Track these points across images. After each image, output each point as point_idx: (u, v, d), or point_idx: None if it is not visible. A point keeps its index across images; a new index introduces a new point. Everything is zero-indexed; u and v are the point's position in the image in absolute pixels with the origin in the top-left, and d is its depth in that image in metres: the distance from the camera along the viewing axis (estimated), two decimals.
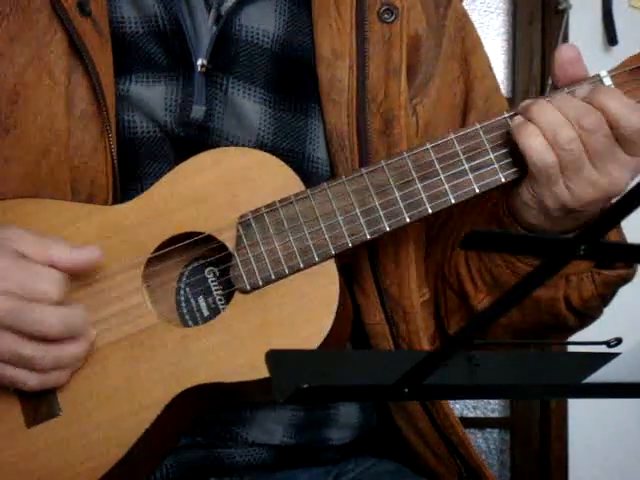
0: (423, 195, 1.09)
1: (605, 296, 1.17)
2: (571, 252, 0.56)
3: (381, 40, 1.18)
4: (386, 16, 1.18)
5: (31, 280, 1.04)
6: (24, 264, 1.05)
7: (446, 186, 1.09)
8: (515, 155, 1.09)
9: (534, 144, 1.06)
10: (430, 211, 1.09)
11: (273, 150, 1.15)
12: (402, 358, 0.78)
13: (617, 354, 0.74)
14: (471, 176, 1.09)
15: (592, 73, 1.10)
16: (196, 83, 1.15)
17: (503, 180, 1.09)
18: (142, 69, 1.15)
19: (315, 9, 1.18)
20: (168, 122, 1.14)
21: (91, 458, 1.06)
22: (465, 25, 1.27)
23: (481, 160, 1.09)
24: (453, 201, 1.09)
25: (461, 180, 1.09)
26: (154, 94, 1.14)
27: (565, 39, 2.76)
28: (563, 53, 1.10)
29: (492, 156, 1.09)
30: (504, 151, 1.09)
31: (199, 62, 1.15)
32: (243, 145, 1.15)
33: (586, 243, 0.56)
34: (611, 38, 2.75)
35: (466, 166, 1.09)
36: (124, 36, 1.15)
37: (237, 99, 1.16)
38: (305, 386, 0.65)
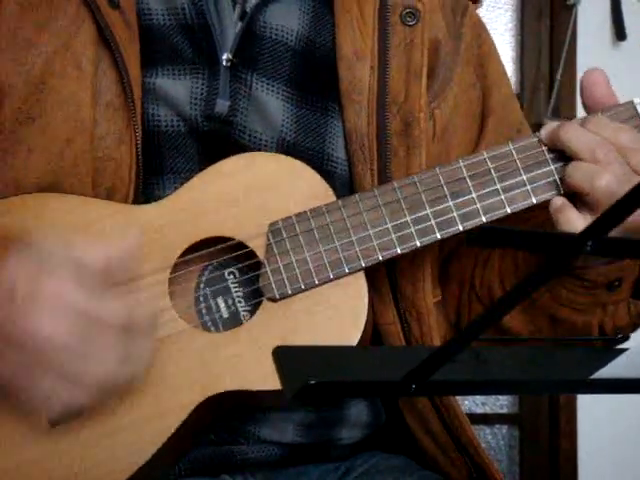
0: (455, 213, 1.09)
1: (638, 325, 1.17)
2: (577, 248, 0.56)
3: (403, 42, 1.18)
4: (408, 19, 1.19)
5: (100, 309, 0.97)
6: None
7: (478, 205, 1.09)
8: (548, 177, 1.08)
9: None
10: (461, 229, 1.09)
11: (294, 147, 1.15)
12: (410, 354, 0.79)
13: (625, 350, 0.75)
14: (503, 197, 1.09)
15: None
16: (221, 78, 1.15)
17: (535, 202, 1.09)
18: (168, 62, 1.15)
19: (338, 9, 1.19)
20: (192, 116, 1.14)
21: (115, 460, 1.05)
22: (481, 32, 1.28)
23: (513, 181, 1.09)
24: (484, 220, 1.09)
25: (493, 200, 1.09)
26: (180, 87, 1.14)
27: (574, 34, 2.75)
28: (587, 76, 1.09)
29: (524, 177, 1.09)
30: (536, 172, 1.09)
31: (224, 57, 1.15)
32: (265, 141, 1.15)
33: (592, 239, 0.56)
34: (620, 33, 2.74)
35: (498, 186, 1.09)
36: (151, 28, 1.15)
37: (261, 95, 1.16)
38: (313, 382, 0.65)
